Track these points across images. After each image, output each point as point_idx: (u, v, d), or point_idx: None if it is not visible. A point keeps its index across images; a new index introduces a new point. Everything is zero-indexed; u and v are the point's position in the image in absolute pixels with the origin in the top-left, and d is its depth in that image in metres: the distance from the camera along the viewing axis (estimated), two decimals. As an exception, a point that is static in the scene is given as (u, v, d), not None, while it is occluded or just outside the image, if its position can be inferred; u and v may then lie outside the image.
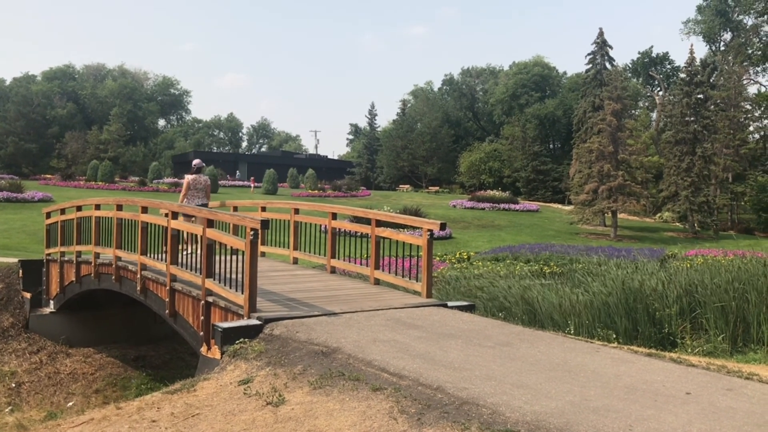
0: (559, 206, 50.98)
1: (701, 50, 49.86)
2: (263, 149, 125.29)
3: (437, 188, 62.77)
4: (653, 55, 60.70)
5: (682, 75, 41.30)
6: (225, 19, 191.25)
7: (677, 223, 43.15)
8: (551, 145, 64.75)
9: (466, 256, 22.84)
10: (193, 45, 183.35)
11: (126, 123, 71.28)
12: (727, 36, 57.06)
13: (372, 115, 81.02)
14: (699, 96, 40.14)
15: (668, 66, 61.37)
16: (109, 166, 48.70)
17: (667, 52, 61.65)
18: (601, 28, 46.01)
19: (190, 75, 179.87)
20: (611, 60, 47.11)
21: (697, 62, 42.22)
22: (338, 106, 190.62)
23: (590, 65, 47.27)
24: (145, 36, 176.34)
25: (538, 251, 23.00)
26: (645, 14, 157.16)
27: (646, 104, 62.23)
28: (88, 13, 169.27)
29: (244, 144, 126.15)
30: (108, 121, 69.16)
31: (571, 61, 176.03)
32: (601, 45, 46.11)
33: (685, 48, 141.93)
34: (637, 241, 34.92)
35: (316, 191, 49.10)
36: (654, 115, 55.97)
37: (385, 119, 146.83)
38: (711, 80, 44.61)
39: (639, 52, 58.52)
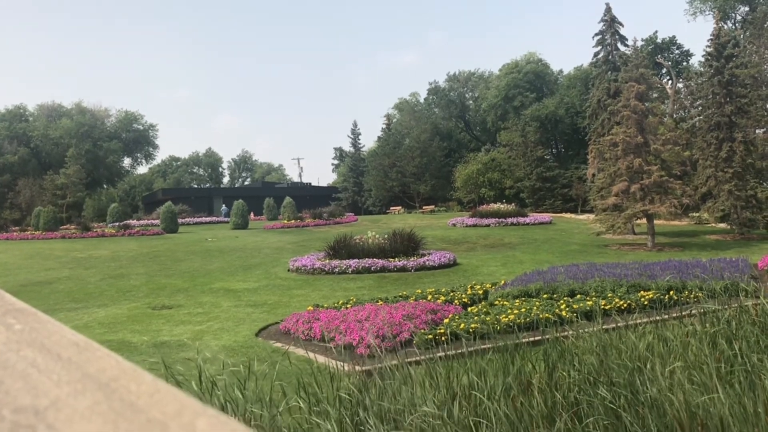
0: (572, 216, 44.65)
1: (710, 29, 44.62)
2: (246, 182, 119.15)
3: (432, 207, 56.23)
4: (658, 41, 54.38)
5: (709, 49, 34.84)
6: (205, 56, 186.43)
7: (715, 224, 36.72)
8: (555, 149, 58.22)
9: (481, 292, 16.22)
10: (176, 86, 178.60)
11: (85, 164, 64.13)
12: (745, 9, 50.86)
13: (355, 134, 74.48)
14: (735, 70, 33.71)
15: (676, 51, 55.02)
16: (52, 212, 41.76)
17: (674, 36, 55.07)
18: (608, 3, 39.18)
19: (171, 117, 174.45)
20: (623, 39, 39.98)
21: (723, 36, 35.92)
22: (323, 133, 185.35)
23: (599, 47, 40.02)
24: (129, 82, 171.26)
25: (581, 276, 16.38)
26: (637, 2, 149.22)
27: (655, 95, 55.89)
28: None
29: (226, 179, 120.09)
30: (65, 164, 62.30)
31: (565, 60, 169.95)
32: (610, 22, 39.03)
33: (691, 30, 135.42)
34: (680, 249, 28.61)
35: (293, 221, 42.48)
36: (667, 105, 49.65)
37: (370, 140, 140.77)
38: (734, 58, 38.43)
39: (642, 39, 52.06)
